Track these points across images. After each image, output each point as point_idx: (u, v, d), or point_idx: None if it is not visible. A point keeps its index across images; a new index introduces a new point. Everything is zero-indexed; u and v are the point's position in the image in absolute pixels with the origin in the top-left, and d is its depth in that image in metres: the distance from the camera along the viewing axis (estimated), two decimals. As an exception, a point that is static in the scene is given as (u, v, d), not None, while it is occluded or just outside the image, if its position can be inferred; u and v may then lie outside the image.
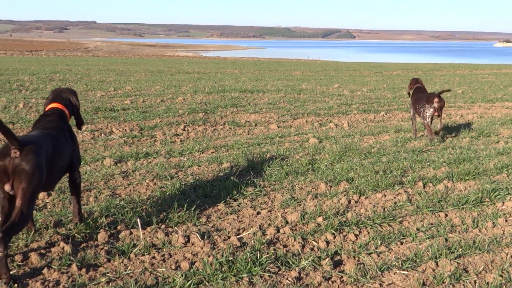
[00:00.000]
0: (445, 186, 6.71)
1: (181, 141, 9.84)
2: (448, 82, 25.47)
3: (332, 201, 6.05)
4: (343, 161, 8.04)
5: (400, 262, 4.45)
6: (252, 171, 7.30)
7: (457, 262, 4.47)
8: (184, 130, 10.74)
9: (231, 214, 5.60)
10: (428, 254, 4.58)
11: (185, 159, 8.12)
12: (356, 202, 6.09)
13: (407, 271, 4.30)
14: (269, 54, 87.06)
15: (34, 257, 4.29)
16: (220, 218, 5.47)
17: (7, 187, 3.84)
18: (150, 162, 7.84)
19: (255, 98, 15.44)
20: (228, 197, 6.09)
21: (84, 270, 4.11)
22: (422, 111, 9.71)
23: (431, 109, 9.47)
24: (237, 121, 11.91)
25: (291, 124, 11.93)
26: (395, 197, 6.26)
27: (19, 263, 4.22)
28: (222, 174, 7.17)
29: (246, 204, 5.93)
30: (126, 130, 10.38)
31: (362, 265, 4.40)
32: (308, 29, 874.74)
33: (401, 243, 4.93)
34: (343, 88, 19.71)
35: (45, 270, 4.08)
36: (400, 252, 4.73)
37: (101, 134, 10.03)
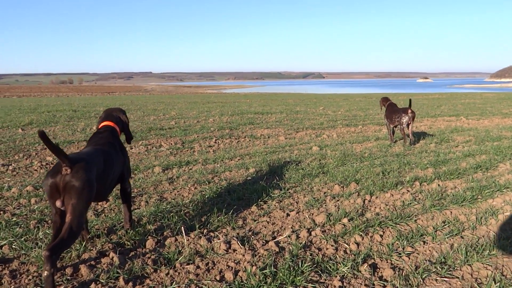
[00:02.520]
0: (438, 185, 5.33)
1: (213, 151, 8.53)
2: (398, 103, 24.04)
3: (349, 201, 4.66)
4: (346, 164, 6.67)
5: (436, 267, 3.08)
6: (274, 175, 5.96)
7: (490, 265, 3.13)
8: (215, 142, 9.42)
9: (263, 216, 4.24)
10: (460, 258, 3.22)
11: (218, 165, 6.78)
12: (369, 201, 4.69)
13: (447, 277, 2.95)
14: (268, 90, 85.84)
15: (83, 270, 2.96)
16: (255, 221, 4.10)
17: (58, 203, 2.76)
18: (191, 169, 6.51)
19: (265, 118, 14.06)
20: (259, 199, 4.74)
21: (131, 283, 2.79)
22: (399, 120, 8.79)
23: (407, 118, 8.66)
24: (255, 134, 10.57)
25: (295, 136, 10.59)
26: (401, 196, 4.86)
27: (69, 277, 2.89)
28: (250, 178, 5.81)
29: (275, 206, 4.56)
30: (171, 144, 9.06)
31: (400, 270, 3.05)
32: (293, 72, 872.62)
33: (424, 243, 3.55)
34: (326, 109, 18.31)
35: (92, 285, 2.77)
36: (427, 253, 3.36)
37: (152, 147, 8.72)
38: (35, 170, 6.85)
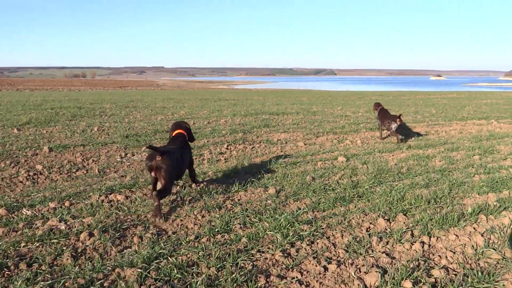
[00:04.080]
0: (509, 219, 4.17)
1: (225, 159, 7.47)
2: (416, 104, 22.68)
3: (403, 246, 3.52)
4: (382, 183, 5.54)
5: None
6: (299, 198, 4.87)
7: None
8: (227, 148, 8.35)
9: (292, 269, 3.13)
10: None
11: (230, 180, 5.73)
12: (429, 247, 3.54)
13: None
14: (279, 86, 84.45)
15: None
16: (281, 279, 2.99)
17: (153, 174, 4.45)
18: (198, 185, 5.47)
19: (281, 120, 12.91)
20: (284, 239, 3.63)
21: None
22: (388, 125, 9.79)
23: (395, 125, 9.60)
24: (271, 139, 9.48)
25: (315, 142, 9.48)
26: (469, 239, 3.70)
27: None
28: (270, 202, 4.73)
29: (306, 251, 3.44)
30: (178, 150, 8.05)
31: None
32: (305, 68, 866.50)
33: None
34: (345, 109, 17.10)
35: None
36: None
37: (157, 154, 7.70)
38: (20, 181, 5.85)
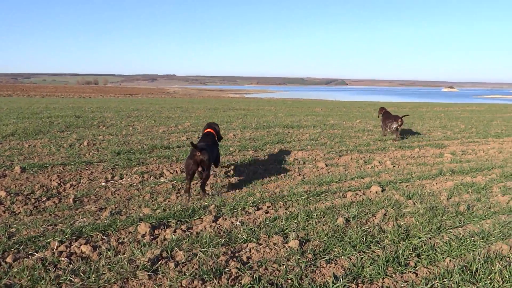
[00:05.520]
0: None
1: (231, 185, 6.12)
2: (439, 117, 21.08)
3: None
4: (441, 231, 4.10)
5: None
6: (331, 256, 3.46)
7: None
8: (234, 170, 6.99)
9: None
10: None
11: (237, 221, 4.33)
12: None
13: None
14: (291, 96, 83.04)
15: None
16: None
17: (200, 169, 5.37)
18: (195, 229, 4.09)
19: (297, 134, 11.48)
20: None
21: None
22: (390, 125, 11.13)
23: (396, 124, 10.94)
24: (286, 159, 8.08)
25: (337, 162, 8.07)
26: None
27: None
28: (294, 263, 3.31)
29: None
30: (176, 172, 6.68)
31: None
32: (316, 78, 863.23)
33: None
34: (364, 123, 15.62)
35: None
36: None
37: (150, 177, 6.34)
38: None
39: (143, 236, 3.93)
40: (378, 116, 11.91)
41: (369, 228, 4.15)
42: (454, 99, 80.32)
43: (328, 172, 7.13)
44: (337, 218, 4.39)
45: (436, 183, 6.42)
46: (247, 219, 4.43)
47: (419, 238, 3.85)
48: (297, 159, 8.09)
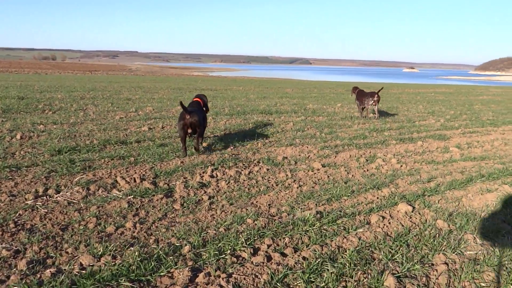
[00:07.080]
0: None
1: (209, 199, 4.48)
2: (416, 100, 19.93)
3: None
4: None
5: None
6: None
7: None
8: (212, 176, 5.30)
9: None
10: None
11: (221, 262, 2.71)
12: None
13: None
14: (256, 74, 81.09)
15: None
16: None
17: (189, 131, 5.89)
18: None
19: (279, 123, 9.77)
20: None
21: None
22: (367, 102, 10.82)
23: (372, 100, 10.68)
24: (273, 157, 6.46)
25: (335, 161, 6.53)
26: None
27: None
28: None
29: None
30: (135, 181, 4.91)
31: None
32: (280, 57, 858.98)
33: None
34: (346, 107, 14.13)
35: None
36: None
37: (98, 189, 4.57)
38: None
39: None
40: (351, 95, 12.02)
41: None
42: (418, 80, 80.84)
43: (328, 177, 5.60)
44: (383, 276, 2.83)
45: (472, 195, 5.00)
46: (242, 280, 2.80)
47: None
48: (286, 158, 6.50)
